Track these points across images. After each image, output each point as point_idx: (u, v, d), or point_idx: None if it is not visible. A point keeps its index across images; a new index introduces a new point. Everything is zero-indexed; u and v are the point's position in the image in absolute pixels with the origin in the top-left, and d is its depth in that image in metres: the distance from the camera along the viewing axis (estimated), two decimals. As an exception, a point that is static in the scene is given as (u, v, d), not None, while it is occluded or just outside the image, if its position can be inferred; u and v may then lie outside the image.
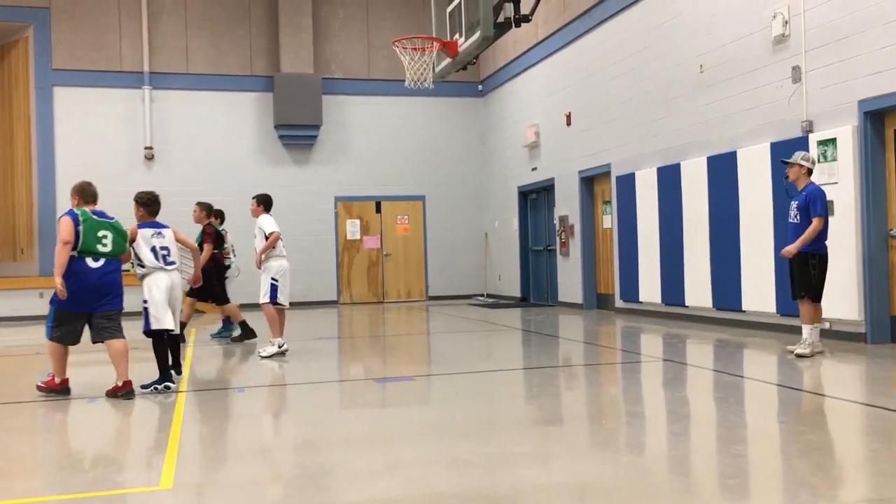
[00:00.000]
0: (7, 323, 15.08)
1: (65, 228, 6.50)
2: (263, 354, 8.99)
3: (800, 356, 7.74)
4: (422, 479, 4.04)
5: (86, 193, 6.91)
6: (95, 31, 17.16)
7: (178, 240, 11.28)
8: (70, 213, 6.72)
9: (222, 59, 17.90)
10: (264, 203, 9.52)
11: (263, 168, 17.98)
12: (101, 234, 6.65)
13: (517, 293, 17.56)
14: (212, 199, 16.94)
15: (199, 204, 10.87)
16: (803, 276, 7.85)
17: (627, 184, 12.99)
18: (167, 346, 7.01)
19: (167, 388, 6.83)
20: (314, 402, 6.68)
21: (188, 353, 9.66)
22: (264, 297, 9.13)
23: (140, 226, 7.14)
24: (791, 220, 8.02)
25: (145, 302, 6.99)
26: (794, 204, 8.02)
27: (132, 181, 17.22)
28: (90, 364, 8.69)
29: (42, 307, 15.48)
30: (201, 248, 10.40)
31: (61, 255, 6.43)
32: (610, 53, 13.45)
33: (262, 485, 4.13)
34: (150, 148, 17.41)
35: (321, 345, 10.95)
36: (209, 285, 10.22)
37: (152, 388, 6.83)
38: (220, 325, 11.51)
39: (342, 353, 10.50)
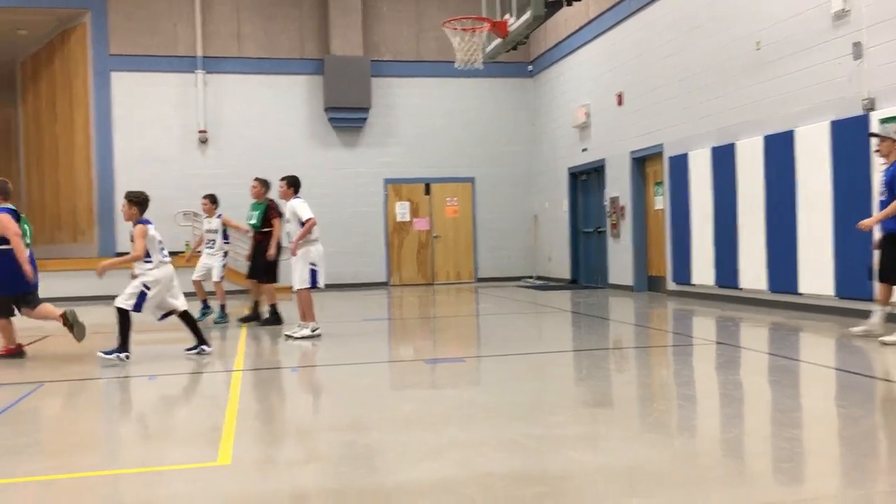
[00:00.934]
0: (68, 303, 15.53)
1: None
2: (295, 335, 8.91)
3: (886, 344, 7.25)
4: (472, 460, 4.06)
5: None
6: (150, 17, 17.45)
7: (230, 225, 11.47)
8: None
9: (273, 43, 18.06)
10: (294, 185, 9.23)
11: (313, 151, 18.14)
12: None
13: (567, 275, 17.47)
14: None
15: (258, 180, 10.65)
16: (890, 257, 7.45)
17: (680, 164, 12.79)
18: (130, 323, 7.53)
19: (126, 358, 7.44)
20: (364, 382, 6.76)
21: (242, 335, 9.84)
22: (301, 283, 8.91)
23: (143, 222, 7.55)
24: (880, 198, 7.65)
25: (147, 287, 7.46)
26: (882, 179, 7.61)
27: (186, 165, 17.60)
28: (150, 343, 8.93)
29: (101, 288, 15.94)
30: (268, 225, 10.46)
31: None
32: (662, 32, 13.22)
33: (315, 463, 4.21)
34: (204, 131, 17.68)
35: (371, 326, 11.06)
36: (265, 263, 10.26)
37: (114, 355, 7.40)
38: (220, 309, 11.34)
39: (392, 335, 10.59)
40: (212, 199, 11.40)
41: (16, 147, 21.96)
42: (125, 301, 7.43)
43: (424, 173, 18.79)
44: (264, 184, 10.68)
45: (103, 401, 6.39)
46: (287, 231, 9.17)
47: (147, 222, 7.57)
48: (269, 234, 10.38)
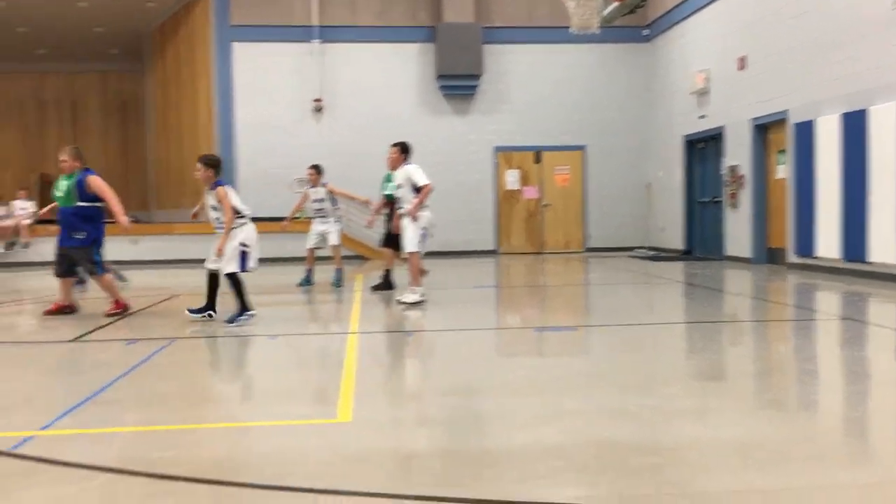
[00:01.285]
0: (193, 265, 16.33)
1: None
2: (407, 300, 8.93)
3: None
4: (585, 427, 4.07)
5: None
6: (270, -12, 17.91)
7: (337, 193, 11.71)
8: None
9: (387, 11, 18.22)
10: (406, 151, 9.19)
11: (424, 118, 18.28)
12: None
13: (680, 246, 17.04)
14: (374, 149, 17.50)
15: (396, 145, 9.48)
16: None
17: (806, 131, 12.20)
18: (242, 283, 7.80)
19: (251, 317, 7.76)
20: (475, 348, 6.85)
21: (356, 298, 10.11)
22: (412, 247, 8.99)
23: (221, 183, 7.76)
24: None
25: (246, 245, 7.70)
26: None
27: (302, 133, 18.08)
28: (270, 304, 9.30)
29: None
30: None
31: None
32: (790, -9, 12.56)
33: (429, 424, 4.32)
34: (319, 100, 18.09)
35: (481, 294, 11.15)
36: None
37: (244, 316, 7.71)
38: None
39: (501, 302, 10.64)
40: (317, 170, 11.60)
41: (143, 115, 23.13)
42: (230, 265, 7.62)
43: (535, 141, 18.64)
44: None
45: (229, 357, 6.73)
46: (398, 195, 9.20)
47: (224, 183, 7.78)
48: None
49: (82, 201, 8.40)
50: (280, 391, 5.16)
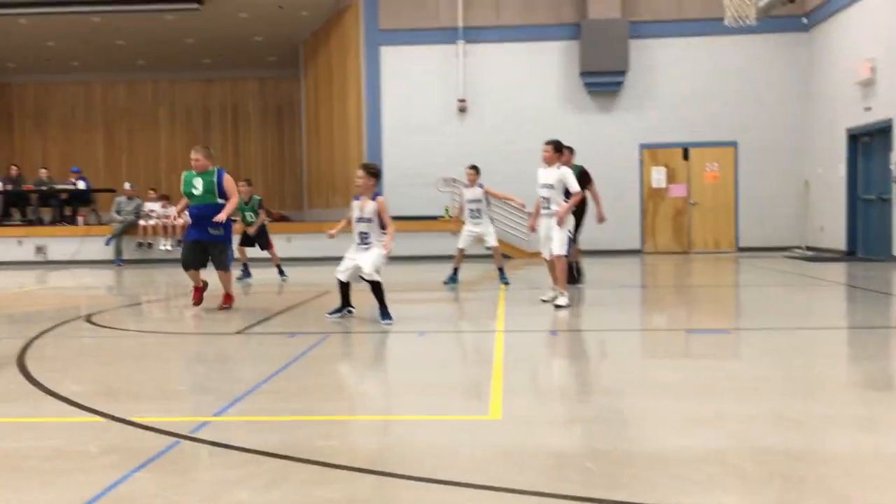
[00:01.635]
0: (337, 262, 16.95)
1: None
2: (561, 304, 8.73)
3: None
4: (744, 432, 3.94)
5: None
6: (416, -9, 18.32)
7: (492, 194, 11.75)
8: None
9: (531, 10, 18.21)
10: (560, 150, 8.88)
11: (568, 116, 18.13)
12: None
13: (842, 246, 16.06)
14: (518, 147, 17.56)
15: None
16: None
17: None
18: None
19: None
20: (624, 349, 6.75)
21: (500, 297, 10.18)
22: (561, 249, 8.77)
23: (379, 194, 7.89)
24: None
25: (384, 258, 7.74)
26: None
27: (446, 133, 18.37)
28: (417, 301, 9.54)
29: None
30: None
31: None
32: (971, -30, 11.57)
33: (580, 424, 4.30)
34: (463, 100, 18.33)
35: (627, 293, 10.95)
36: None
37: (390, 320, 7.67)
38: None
39: (649, 303, 10.41)
40: (476, 170, 11.52)
41: (298, 118, 24.23)
42: (377, 275, 7.65)
43: (682, 137, 18.09)
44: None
45: (381, 352, 6.96)
46: (545, 196, 8.85)
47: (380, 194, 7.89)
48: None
49: (221, 198, 8.76)
50: (431, 386, 5.28)
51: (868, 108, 14.89)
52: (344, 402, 4.87)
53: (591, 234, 17.76)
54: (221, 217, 8.59)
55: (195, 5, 18.71)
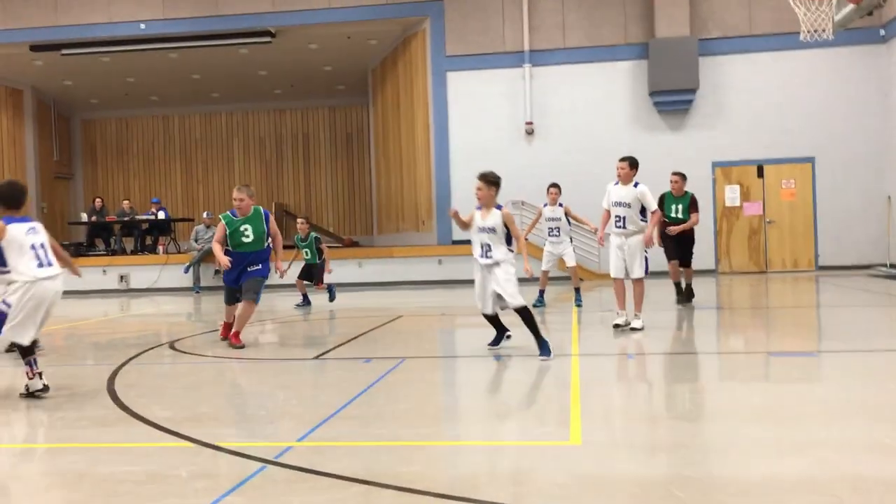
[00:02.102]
0: (411, 287, 17.10)
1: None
2: (637, 326, 8.62)
3: None
4: (838, 460, 3.81)
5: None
6: (482, 17, 18.47)
7: (572, 216, 11.62)
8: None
9: (597, 31, 18.15)
10: (636, 167, 8.72)
11: (638, 135, 17.94)
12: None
13: (929, 263, 15.42)
14: (588, 168, 17.46)
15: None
16: None
17: None
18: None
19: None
20: (705, 372, 6.61)
21: (573, 319, 10.09)
22: (641, 272, 8.63)
23: (500, 206, 7.33)
24: None
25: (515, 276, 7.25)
26: None
27: (513, 156, 18.39)
28: (485, 325, 9.51)
29: (442, 272, 17.29)
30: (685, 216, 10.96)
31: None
32: None
33: (663, 450, 4.22)
34: (530, 123, 18.33)
35: (703, 315, 10.73)
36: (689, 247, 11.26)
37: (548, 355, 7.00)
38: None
39: (726, 324, 10.18)
40: (558, 188, 11.58)
41: (368, 145, 24.62)
42: (518, 298, 7.07)
43: (756, 154, 17.70)
44: (684, 178, 11.21)
45: (455, 376, 6.97)
46: (619, 215, 8.63)
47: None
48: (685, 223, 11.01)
49: (267, 241, 8.34)
50: (510, 411, 5.27)
51: (954, 120, 14.33)
52: (423, 428, 4.90)
53: (661, 254, 17.59)
54: (283, 267, 8.54)
55: (267, 38, 19.26)
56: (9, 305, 5.86)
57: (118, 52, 20.05)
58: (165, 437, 4.68)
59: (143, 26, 19.22)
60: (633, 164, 8.74)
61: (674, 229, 10.93)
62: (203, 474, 3.93)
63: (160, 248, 19.73)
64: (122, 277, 18.90)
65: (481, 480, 3.85)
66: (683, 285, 11.36)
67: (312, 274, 12.92)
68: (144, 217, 20.65)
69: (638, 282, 8.68)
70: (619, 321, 8.83)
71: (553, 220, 11.49)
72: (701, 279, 16.46)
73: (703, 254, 17.80)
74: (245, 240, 8.20)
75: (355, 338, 9.01)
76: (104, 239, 20.66)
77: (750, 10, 17.60)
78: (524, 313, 7.05)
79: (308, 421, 5.00)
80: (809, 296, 13.06)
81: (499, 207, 7.24)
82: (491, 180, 7.30)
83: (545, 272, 11.65)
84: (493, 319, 7.46)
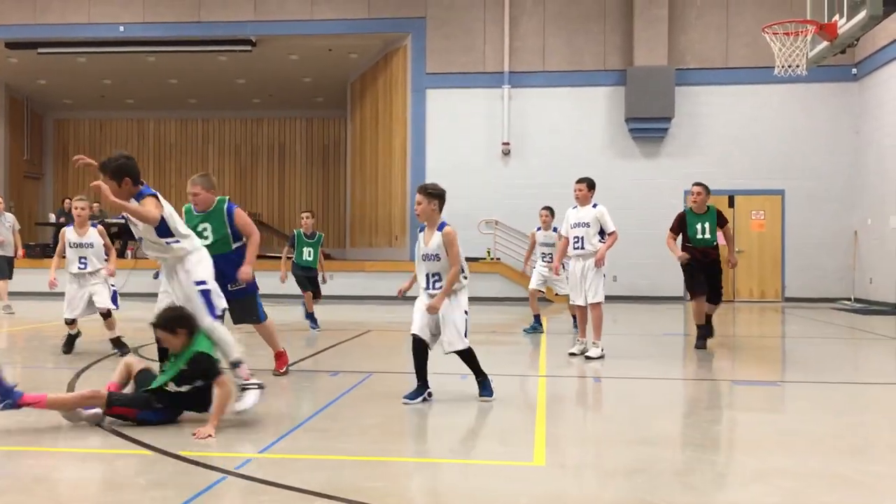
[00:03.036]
0: (382, 302, 17.04)
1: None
2: (593, 356, 8.35)
3: None
4: (800, 491, 3.84)
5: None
6: (464, 37, 18.59)
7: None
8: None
9: (576, 56, 18.35)
10: (593, 188, 8.45)
11: (613, 161, 18.13)
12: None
13: (892, 298, 15.69)
14: (563, 191, 17.54)
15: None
16: None
17: None
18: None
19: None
20: (668, 399, 6.64)
21: (543, 342, 10.10)
22: (599, 297, 8.28)
23: (447, 224, 6.06)
24: None
25: (466, 312, 6.04)
26: None
27: (489, 176, 18.49)
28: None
29: (413, 289, 17.23)
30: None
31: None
32: None
33: (625, 474, 4.23)
34: (507, 143, 18.44)
35: (670, 341, 10.81)
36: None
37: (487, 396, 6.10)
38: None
39: (691, 351, 10.25)
40: (551, 212, 11.09)
41: (344, 158, 24.59)
42: (460, 341, 5.89)
43: (728, 185, 17.93)
44: (707, 190, 9.37)
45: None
46: (578, 236, 8.35)
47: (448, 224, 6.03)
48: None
49: (236, 242, 6.67)
50: (475, 430, 5.25)
51: (920, 160, 14.66)
52: (388, 444, 4.86)
53: (631, 280, 17.77)
54: (248, 273, 6.44)
55: (248, 47, 19.22)
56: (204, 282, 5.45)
57: (96, 53, 19.88)
58: (125, 445, 4.60)
59: (122, 28, 19.10)
60: (591, 185, 8.49)
61: (733, 260, 9.46)
62: (161, 483, 3.87)
63: (129, 252, 19.49)
64: (88, 280, 18.61)
65: (444, 499, 3.83)
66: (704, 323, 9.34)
67: (315, 282, 11.13)
68: (114, 220, 20.38)
69: (596, 306, 8.34)
70: (575, 349, 8.55)
71: (546, 244, 11.02)
72: (671, 306, 16.62)
73: (672, 281, 17.98)
74: (205, 242, 6.30)
75: (323, 350, 8.95)
76: (72, 241, 20.34)
77: (727, 43, 17.91)
78: (466, 354, 5.98)
79: (271, 433, 4.94)
80: (775, 326, 13.21)
81: (441, 227, 5.92)
82: (431, 192, 5.98)
83: (534, 292, 11.06)
84: (420, 360, 5.95)
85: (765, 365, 8.90)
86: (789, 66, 9.69)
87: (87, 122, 26.90)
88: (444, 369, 7.49)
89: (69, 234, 8.59)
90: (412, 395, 5.87)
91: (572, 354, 8.51)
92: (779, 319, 14.15)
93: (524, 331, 11.00)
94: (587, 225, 8.37)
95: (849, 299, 17.31)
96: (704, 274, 9.17)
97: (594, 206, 8.46)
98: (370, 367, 7.71)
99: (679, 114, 17.85)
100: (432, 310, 5.83)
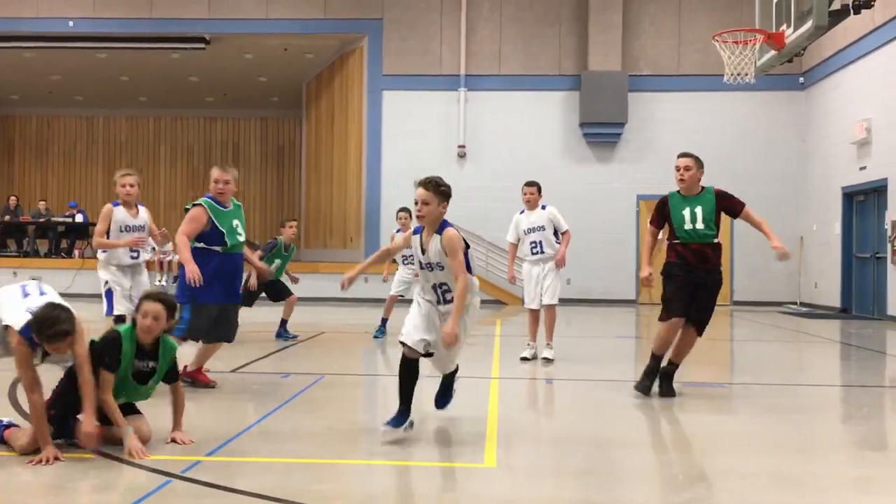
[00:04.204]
0: (336, 303, 16.93)
1: None
2: (549, 357, 8.34)
3: None
4: (744, 490, 3.91)
5: None
6: (420, 39, 18.59)
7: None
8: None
9: (532, 60, 18.48)
10: (541, 191, 8.43)
11: (567, 165, 18.29)
12: None
13: (836, 303, 16.10)
14: (516, 194, 17.66)
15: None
16: None
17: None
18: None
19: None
20: (616, 399, 6.71)
21: (496, 344, 10.13)
22: (555, 299, 8.28)
23: (450, 224, 5.37)
24: None
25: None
26: None
27: (446, 177, 18.43)
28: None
29: (368, 291, 17.14)
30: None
31: None
32: (965, 37, 11.81)
33: (577, 474, 4.27)
34: (463, 146, 18.49)
35: (621, 344, 10.94)
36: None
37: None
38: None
39: (643, 354, 10.38)
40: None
41: (299, 159, 24.40)
42: (454, 363, 5.32)
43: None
44: (699, 163, 7.32)
45: (375, 395, 6.91)
46: (535, 240, 8.30)
47: (451, 225, 5.04)
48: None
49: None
50: (426, 432, 5.23)
51: (863, 168, 15.07)
52: (339, 445, 4.83)
53: (585, 283, 17.95)
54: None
55: (201, 45, 18.95)
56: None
57: (44, 48, 19.42)
58: (69, 448, 4.49)
59: (71, 24, 18.68)
60: (539, 188, 8.46)
61: (780, 248, 6.75)
62: (105, 487, 3.79)
63: (76, 252, 19.07)
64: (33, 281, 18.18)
65: (394, 500, 3.82)
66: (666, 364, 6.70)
67: (279, 290, 10.55)
68: (61, 219, 19.94)
69: (550, 308, 8.35)
70: (527, 354, 8.49)
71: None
72: (622, 309, 16.83)
73: (624, 285, 18.22)
74: (240, 238, 6.22)
75: (275, 352, 8.86)
76: (17, 240, 19.88)
77: (679, 50, 18.21)
78: (453, 376, 5.43)
79: (219, 435, 4.87)
80: (724, 330, 13.45)
81: (441, 229, 4.87)
82: (444, 190, 4.92)
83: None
84: (408, 383, 4.97)
85: (713, 367, 9.05)
86: (738, 74, 9.89)
87: (35, 118, 26.27)
88: (396, 372, 7.47)
89: (119, 214, 7.01)
90: (394, 422, 4.83)
91: (524, 359, 8.47)
92: (727, 322, 14.41)
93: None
94: (542, 228, 8.34)
95: (795, 303, 17.71)
96: (693, 287, 6.57)
97: (543, 207, 8.44)
98: (322, 370, 7.66)
99: (632, 119, 18.08)
100: (450, 338, 4.69)
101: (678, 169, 6.90)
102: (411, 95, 18.60)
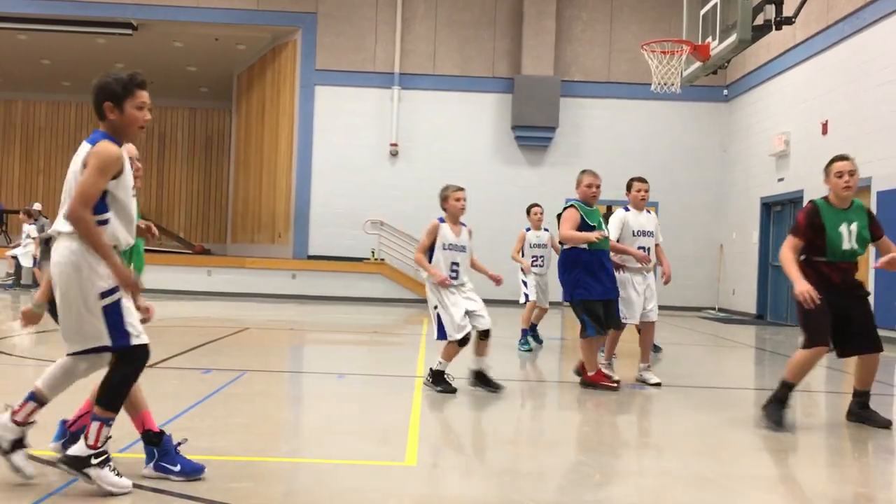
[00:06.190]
0: (262, 299, 16.68)
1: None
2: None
3: None
4: (658, 489, 3.99)
5: None
6: (355, 35, 18.47)
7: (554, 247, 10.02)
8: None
9: (467, 62, 18.57)
10: None
11: (498, 167, 18.44)
12: None
13: (752, 309, 16.65)
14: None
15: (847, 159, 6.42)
16: None
17: (891, 200, 11.88)
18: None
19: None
20: (538, 400, 6.79)
21: (422, 343, 10.13)
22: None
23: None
24: None
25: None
26: None
27: (377, 176, 18.43)
28: (337, 343, 9.40)
29: (295, 287, 16.89)
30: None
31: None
32: (879, 58, 12.37)
33: (496, 474, 4.29)
34: (395, 145, 18.45)
35: (547, 345, 11.06)
36: None
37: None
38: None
39: (569, 356, 10.54)
40: (541, 210, 10.25)
41: (228, 151, 23.96)
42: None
43: (607, 195, 18.25)
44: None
45: (298, 393, 6.82)
46: (644, 246, 8.07)
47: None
48: None
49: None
50: (347, 430, 5.20)
51: (781, 179, 15.62)
52: (256, 443, 4.74)
53: (509, 285, 18.05)
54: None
55: (128, 31, 18.43)
56: None
57: (-41, 26, 18.59)
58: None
59: (-10, 2, 17.93)
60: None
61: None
62: (5, 484, 3.63)
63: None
64: (-59, 268, 17.38)
65: (312, 499, 3.76)
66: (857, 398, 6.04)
67: None
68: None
69: (653, 325, 8.28)
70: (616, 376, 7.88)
71: (538, 246, 10.36)
72: (549, 313, 16.96)
73: (550, 288, 18.39)
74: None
75: (196, 347, 8.66)
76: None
77: (610, 58, 18.56)
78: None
79: (132, 432, 4.72)
80: (645, 333, 13.73)
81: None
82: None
83: (533, 304, 10.04)
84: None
85: (634, 369, 9.23)
86: (665, 84, 10.13)
87: (-52, 99, 25.15)
88: (321, 369, 7.40)
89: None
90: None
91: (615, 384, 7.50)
92: (649, 326, 14.72)
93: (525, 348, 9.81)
94: (651, 234, 7.99)
95: (714, 309, 18.24)
96: (839, 308, 5.56)
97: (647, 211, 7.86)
98: (244, 366, 7.52)
99: (563, 124, 18.34)
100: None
101: (841, 175, 5.64)
102: (344, 91, 18.47)
